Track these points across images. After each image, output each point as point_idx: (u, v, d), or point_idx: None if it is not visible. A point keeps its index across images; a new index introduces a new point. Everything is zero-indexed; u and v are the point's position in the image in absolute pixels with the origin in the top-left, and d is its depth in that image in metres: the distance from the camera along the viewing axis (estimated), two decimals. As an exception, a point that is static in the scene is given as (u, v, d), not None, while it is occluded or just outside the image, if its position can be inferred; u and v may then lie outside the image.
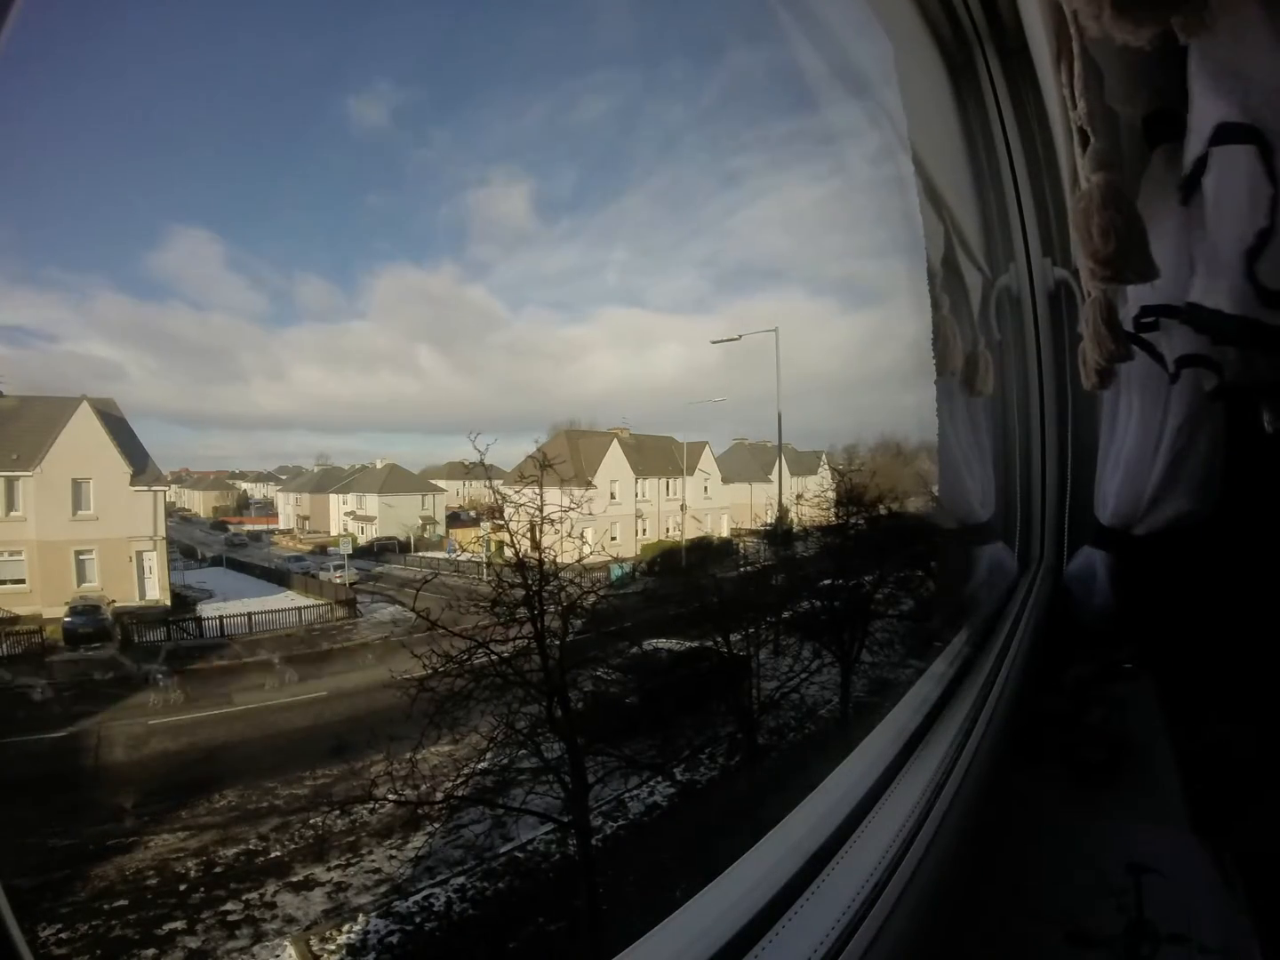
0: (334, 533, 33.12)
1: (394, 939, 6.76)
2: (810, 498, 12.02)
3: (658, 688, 9.04)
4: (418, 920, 6.97)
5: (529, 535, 7.02)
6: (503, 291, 60.64)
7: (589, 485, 25.76)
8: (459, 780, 6.57)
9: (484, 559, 20.80)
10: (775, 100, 58.56)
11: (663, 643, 10.61)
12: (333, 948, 6.64)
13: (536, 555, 6.88)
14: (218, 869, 8.04)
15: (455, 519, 36.97)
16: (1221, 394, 1.32)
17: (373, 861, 8.05)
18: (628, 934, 0.84)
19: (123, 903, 7.36)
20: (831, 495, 11.35)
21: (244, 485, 52.33)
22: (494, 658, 6.41)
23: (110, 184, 39.70)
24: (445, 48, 54.46)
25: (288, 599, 21.83)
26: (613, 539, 25.46)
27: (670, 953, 0.78)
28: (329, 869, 7.96)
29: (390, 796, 6.79)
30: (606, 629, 8.67)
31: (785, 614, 10.62)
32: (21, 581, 18.16)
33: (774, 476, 30.12)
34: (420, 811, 6.78)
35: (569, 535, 7.59)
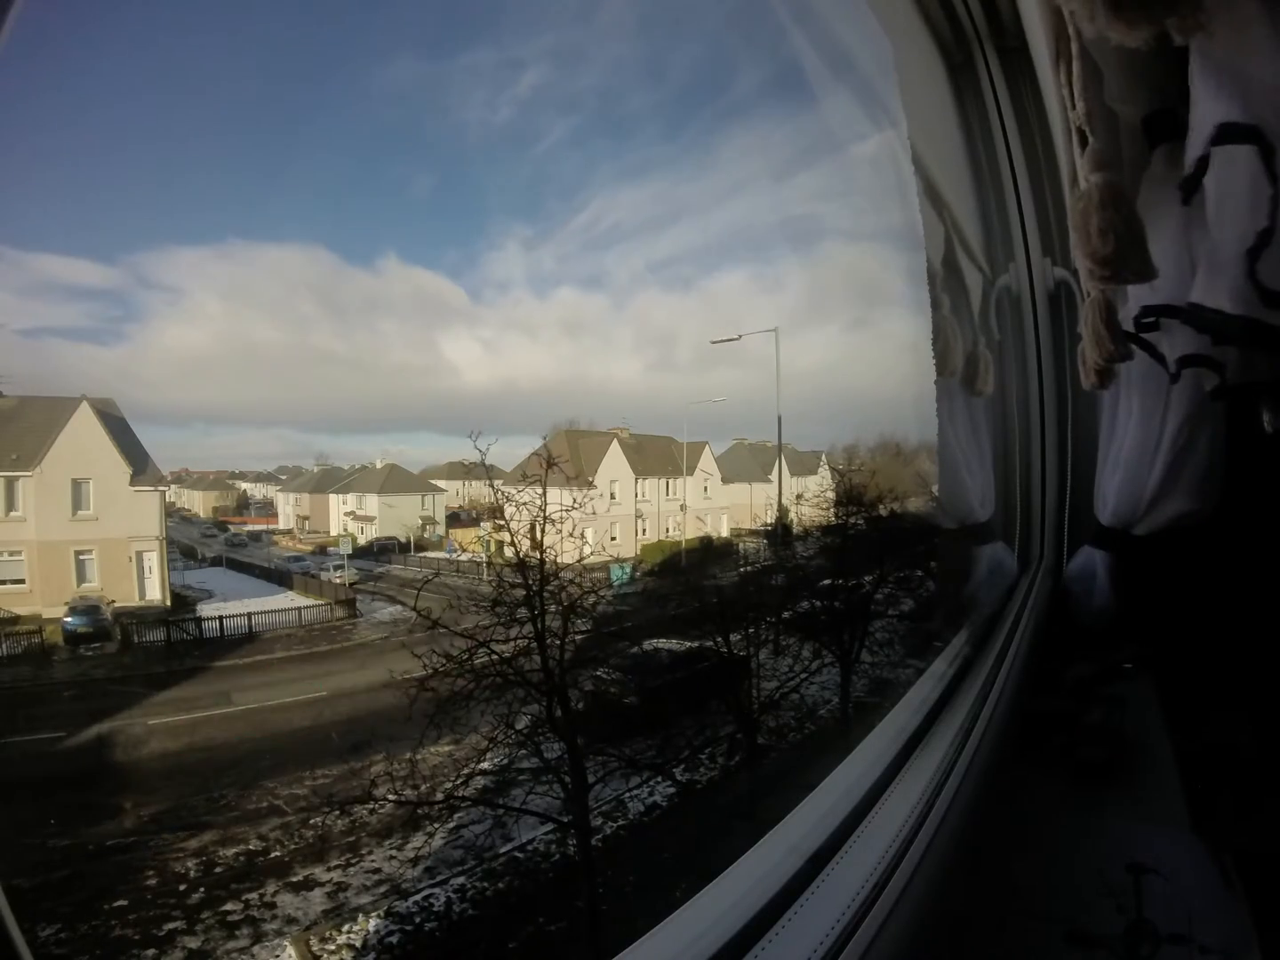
0: (334, 533, 33.12)
1: (394, 939, 6.76)
2: (810, 498, 12.02)
3: (658, 688, 9.04)
4: (418, 920, 6.97)
5: (530, 535, 7.02)
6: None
7: (589, 485, 25.75)
8: (459, 780, 6.57)
9: (484, 559, 20.83)
10: (773, 99, 58.07)
11: (663, 643, 10.61)
12: (333, 948, 6.64)
13: (537, 555, 6.88)
14: (218, 869, 8.04)
15: (455, 519, 36.98)
16: (1222, 394, 1.32)
17: (373, 861, 8.05)
18: (628, 934, 0.84)
19: (123, 903, 7.36)
20: (831, 495, 11.36)
21: (244, 485, 52.35)
22: (494, 657, 6.41)
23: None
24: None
25: (288, 599, 21.83)
26: (613, 539, 25.50)
27: (670, 953, 0.78)
28: (329, 869, 7.96)
29: (390, 796, 6.79)
30: (607, 629, 8.68)
31: (785, 614, 10.62)
32: (21, 581, 18.16)
33: (774, 476, 30.13)
34: (420, 811, 6.78)
35: (570, 535, 7.59)
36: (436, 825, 6.98)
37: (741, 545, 26.54)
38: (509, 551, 7.11)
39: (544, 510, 7.22)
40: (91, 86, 35.70)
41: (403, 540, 33.53)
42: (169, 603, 20.24)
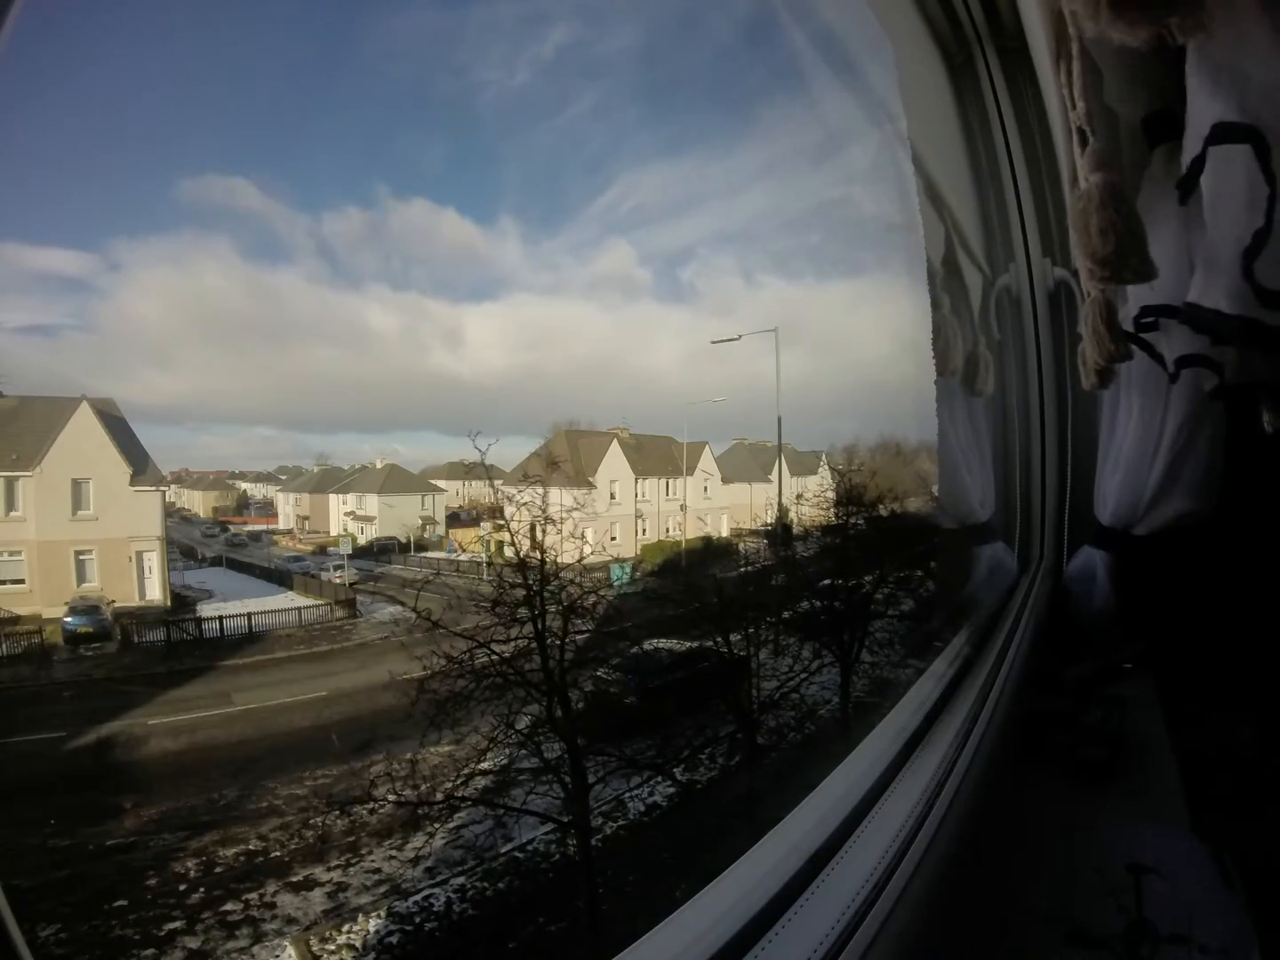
0: (334, 533, 33.11)
1: (394, 939, 6.76)
2: (810, 498, 12.01)
3: (658, 688, 9.03)
4: (418, 920, 6.97)
5: (530, 535, 7.02)
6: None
7: (589, 485, 25.76)
8: (459, 780, 6.57)
9: (484, 559, 20.84)
10: (773, 99, 57.68)
11: (663, 643, 10.61)
12: (333, 948, 6.64)
13: (538, 555, 6.88)
14: (218, 869, 8.03)
15: (455, 519, 36.98)
16: (1221, 394, 1.32)
17: (373, 861, 8.05)
18: (628, 934, 0.84)
19: (123, 903, 7.36)
20: (831, 495, 11.34)
21: (244, 485, 52.36)
22: (494, 658, 6.41)
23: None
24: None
25: (288, 599, 21.83)
26: (613, 539, 25.49)
27: (670, 953, 0.78)
28: (329, 869, 7.96)
29: (390, 796, 6.79)
30: (607, 629, 8.67)
31: (785, 614, 10.61)
32: (21, 581, 18.17)
33: (774, 476, 30.12)
34: (420, 811, 6.78)
35: (570, 535, 7.59)
36: (436, 825, 6.98)
37: (742, 545, 26.53)
38: (509, 552, 7.11)
39: (545, 510, 7.22)
40: (81, 76, 33.39)
41: (403, 540, 33.52)
42: (169, 603, 20.25)
